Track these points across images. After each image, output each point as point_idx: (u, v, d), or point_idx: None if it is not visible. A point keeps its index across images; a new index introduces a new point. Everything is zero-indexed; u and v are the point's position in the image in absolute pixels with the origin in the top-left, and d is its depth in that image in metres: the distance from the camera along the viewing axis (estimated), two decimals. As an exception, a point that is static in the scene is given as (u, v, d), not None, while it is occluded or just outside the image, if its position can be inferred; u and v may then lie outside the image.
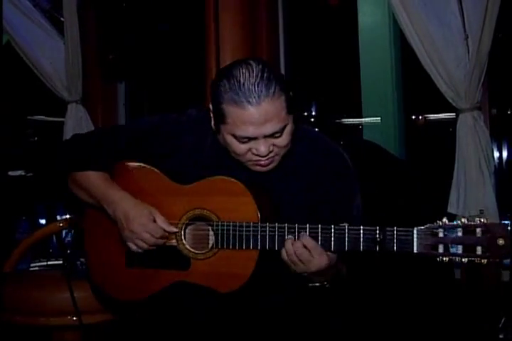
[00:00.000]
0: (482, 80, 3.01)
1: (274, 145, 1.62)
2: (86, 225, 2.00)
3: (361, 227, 1.53)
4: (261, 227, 1.65)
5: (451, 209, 3.12)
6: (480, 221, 1.43)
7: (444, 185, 3.20)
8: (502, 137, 4.15)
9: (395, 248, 1.48)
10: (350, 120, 4.58)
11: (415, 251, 1.46)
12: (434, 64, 3.03)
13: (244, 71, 1.57)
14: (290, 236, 1.59)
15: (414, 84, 4.24)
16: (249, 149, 1.62)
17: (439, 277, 3.23)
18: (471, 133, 3.03)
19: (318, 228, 1.57)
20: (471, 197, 3.05)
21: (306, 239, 1.57)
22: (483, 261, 1.41)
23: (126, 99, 4.34)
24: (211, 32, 3.33)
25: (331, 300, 1.85)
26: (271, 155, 1.64)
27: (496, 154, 3.81)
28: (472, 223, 1.43)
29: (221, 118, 1.61)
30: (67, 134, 4.10)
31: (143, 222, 1.74)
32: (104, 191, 1.82)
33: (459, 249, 1.42)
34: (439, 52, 3.01)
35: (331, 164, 1.76)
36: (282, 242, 1.61)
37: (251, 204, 1.68)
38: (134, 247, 1.79)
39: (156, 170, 1.83)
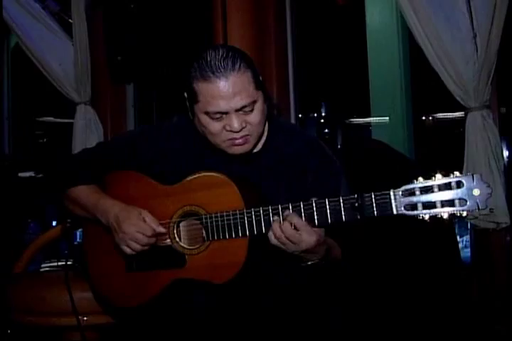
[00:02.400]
0: (491, 79, 3.00)
1: (246, 122, 1.68)
2: (84, 235, 2.06)
3: (340, 197, 1.55)
4: (246, 213, 1.68)
5: (460, 209, 3.11)
6: (453, 175, 1.46)
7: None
8: (511, 136, 4.13)
9: (376, 212, 1.51)
10: (359, 120, 4.58)
11: (395, 213, 1.49)
12: (443, 63, 3.03)
13: (210, 52, 1.67)
14: (276, 218, 1.60)
15: (423, 83, 4.23)
16: (224, 127, 1.68)
17: (448, 276, 3.22)
18: (480, 132, 3.02)
19: (300, 205, 1.59)
20: (481, 197, 3.04)
21: (294, 217, 1.58)
22: (462, 212, 1.45)
23: (135, 100, 4.35)
24: (219, 33, 3.35)
25: (330, 289, 1.87)
26: (245, 132, 1.70)
27: (506, 153, 3.80)
28: (446, 178, 1.47)
29: (193, 97, 1.69)
30: (77, 135, 4.13)
31: (133, 222, 1.77)
32: (95, 202, 1.87)
33: (438, 205, 1.45)
34: (448, 51, 3.00)
35: (312, 152, 1.82)
36: (269, 225, 1.63)
37: (235, 194, 1.72)
38: (128, 250, 1.81)
39: (143, 175, 1.88)
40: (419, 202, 1.47)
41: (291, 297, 1.80)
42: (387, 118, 4.07)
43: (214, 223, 1.73)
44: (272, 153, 1.83)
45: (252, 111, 1.69)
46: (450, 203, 1.45)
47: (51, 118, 5.35)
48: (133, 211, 1.81)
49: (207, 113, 1.68)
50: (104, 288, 1.98)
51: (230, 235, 1.71)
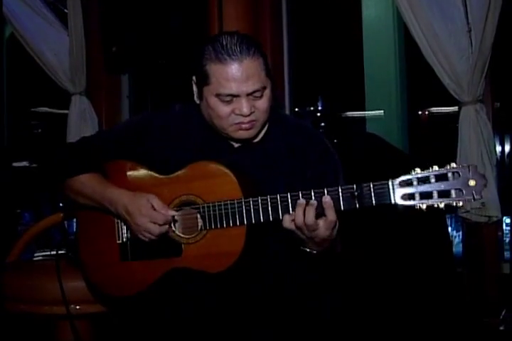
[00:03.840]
0: (485, 73, 3.01)
1: (254, 107, 1.71)
2: (79, 222, 2.05)
3: (339, 187, 1.57)
4: (245, 202, 1.69)
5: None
6: (450, 166, 1.50)
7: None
8: (504, 130, 4.15)
9: (374, 202, 1.53)
10: (354, 113, 4.59)
11: (393, 202, 1.52)
12: (437, 57, 3.04)
13: (226, 36, 1.71)
14: (302, 201, 1.59)
15: (418, 77, 4.23)
16: (232, 111, 1.71)
17: (440, 270, 3.24)
18: (473, 126, 3.03)
19: (298, 194, 1.61)
20: (473, 191, 3.06)
21: (328, 201, 1.57)
22: (459, 202, 1.48)
23: (130, 90, 4.35)
24: (214, 24, 3.34)
25: (325, 279, 1.89)
26: (252, 117, 1.72)
27: (498, 148, 3.81)
28: (443, 169, 1.50)
29: (205, 80, 1.71)
30: (71, 126, 4.12)
31: (143, 213, 1.76)
32: (102, 191, 1.86)
33: (435, 195, 1.49)
34: (442, 44, 3.01)
35: (312, 144, 1.85)
36: (267, 214, 1.65)
37: (233, 183, 1.73)
38: (143, 238, 1.81)
39: (141, 165, 1.89)
40: (416, 192, 1.50)
41: (287, 286, 1.82)
42: (382, 112, 4.08)
43: (212, 212, 1.74)
44: (273, 144, 1.85)
45: (261, 97, 1.72)
46: (446, 193, 1.48)
47: (46, 109, 5.33)
48: (141, 199, 1.78)
49: (218, 95, 1.70)
50: (98, 278, 1.97)
51: (228, 224, 1.72)
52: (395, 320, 3.01)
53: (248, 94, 1.69)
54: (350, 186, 1.56)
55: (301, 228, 1.59)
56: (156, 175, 1.86)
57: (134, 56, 3.92)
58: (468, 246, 3.29)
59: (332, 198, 1.56)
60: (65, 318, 2.38)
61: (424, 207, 1.50)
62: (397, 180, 1.52)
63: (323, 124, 5.21)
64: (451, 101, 3.20)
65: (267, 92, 1.74)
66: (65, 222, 2.76)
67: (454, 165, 1.50)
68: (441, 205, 1.49)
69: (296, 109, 4.35)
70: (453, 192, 1.48)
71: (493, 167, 3.09)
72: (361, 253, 3.07)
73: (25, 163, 4.29)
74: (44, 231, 2.88)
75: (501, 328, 3.12)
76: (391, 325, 2.97)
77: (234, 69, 1.66)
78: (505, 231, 3.85)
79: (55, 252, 2.73)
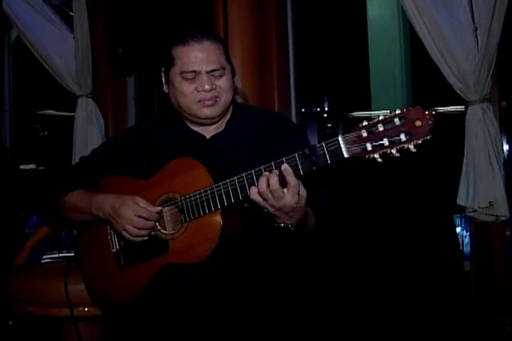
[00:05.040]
0: (491, 72, 3.00)
1: (216, 85, 1.87)
2: (77, 237, 2.14)
3: (295, 154, 1.61)
4: (216, 187, 1.74)
5: (460, 202, 3.12)
6: (395, 112, 1.51)
7: (453, 178, 3.20)
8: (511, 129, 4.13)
9: (329, 160, 1.55)
10: (360, 113, 4.59)
11: (346, 156, 1.54)
12: (443, 56, 3.03)
13: (189, 27, 1.94)
14: (266, 173, 1.64)
15: (424, 77, 4.23)
16: (195, 88, 1.86)
17: (448, 269, 3.24)
18: (480, 125, 3.02)
19: (261, 169, 1.65)
20: (480, 190, 3.05)
21: (288, 173, 1.61)
22: (409, 146, 1.48)
23: (136, 93, 4.35)
24: (220, 25, 3.34)
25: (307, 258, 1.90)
26: (215, 93, 1.86)
27: (506, 147, 3.80)
28: (389, 115, 1.51)
29: (171, 62, 1.89)
30: (78, 128, 4.12)
31: (130, 207, 1.85)
32: (89, 200, 1.97)
33: (385, 142, 1.49)
34: (448, 43, 3.00)
35: (278, 124, 1.98)
36: (237, 194, 1.70)
37: (203, 173, 1.79)
38: (127, 235, 1.87)
39: (124, 176, 2.00)
40: (367, 142, 1.51)
41: (274, 273, 1.87)
42: (388, 111, 4.07)
43: (189, 204, 1.80)
44: (241, 129, 1.96)
45: (221, 76, 1.88)
46: (396, 138, 1.49)
47: (52, 112, 5.35)
48: (127, 197, 1.88)
49: (182, 73, 1.87)
50: (98, 287, 2.05)
51: (204, 211, 1.76)
52: (402, 319, 3.00)
53: (208, 72, 1.86)
54: (304, 150, 1.59)
55: (268, 198, 1.62)
56: (139, 181, 1.94)
57: (140, 58, 3.93)
58: (476, 245, 3.27)
59: (291, 165, 1.60)
60: (71, 321, 2.38)
61: (377, 156, 1.51)
62: (347, 134, 1.54)
63: (329, 125, 5.21)
64: (457, 100, 3.19)
65: (227, 74, 1.90)
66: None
67: (398, 111, 1.51)
68: (393, 151, 1.49)
69: (303, 110, 4.35)
70: (402, 136, 1.48)
71: (501, 166, 3.07)
72: (371, 252, 3.07)
73: (32, 166, 4.29)
74: (52, 234, 2.89)
75: (509, 328, 3.11)
76: (398, 323, 2.97)
77: (195, 48, 1.86)
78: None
79: (63, 254, 2.75)
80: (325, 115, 5.10)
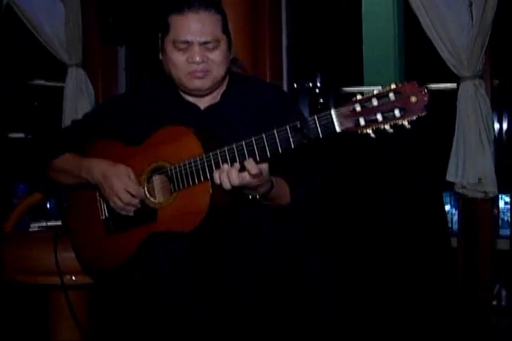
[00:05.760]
0: (485, 48, 3.00)
1: (208, 57, 1.83)
2: (67, 204, 2.14)
3: (286, 126, 1.59)
4: (206, 158, 1.72)
5: (449, 178, 3.14)
6: (390, 86, 1.47)
7: (444, 154, 3.21)
8: (502, 108, 4.13)
9: (321, 134, 1.53)
10: (352, 88, 4.57)
11: (338, 130, 1.50)
12: (437, 31, 3.02)
13: None
14: (226, 166, 1.65)
15: (417, 52, 4.21)
16: (186, 59, 1.83)
17: (435, 246, 3.26)
18: (471, 102, 3.03)
19: (252, 141, 1.64)
20: (469, 166, 3.07)
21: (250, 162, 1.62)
22: (403, 122, 1.45)
23: (126, 62, 4.31)
24: None
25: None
26: (205, 66, 1.83)
27: (496, 125, 3.80)
28: (383, 89, 1.47)
29: (166, 29, 1.86)
30: (68, 98, 4.09)
31: (121, 179, 1.84)
32: (79, 163, 1.95)
33: (379, 117, 1.46)
34: (443, 18, 2.99)
35: (273, 96, 1.96)
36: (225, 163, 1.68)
37: (194, 142, 1.77)
38: (114, 206, 1.88)
39: (115, 141, 1.97)
40: (360, 117, 1.48)
41: (262, 245, 1.86)
42: (380, 87, 4.06)
43: (178, 173, 1.78)
44: (236, 101, 1.94)
45: (214, 49, 1.84)
46: (390, 114, 1.45)
47: (42, 82, 5.29)
48: (121, 168, 1.86)
49: (174, 42, 1.83)
50: (87, 253, 2.04)
51: (193, 181, 1.75)
52: (386, 294, 3.03)
53: (201, 44, 1.82)
54: (296, 123, 1.56)
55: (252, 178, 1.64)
56: (129, 147, 1.93)
57: (130, 28, 3.88)
58: (463, 222, 3.30)
59: (284, 137, 1.59)
60: (60, 288, 2.38)
61: (370, 131, 1.48)
62: (340, 108, 1.50)
63: (321, 101, 5.19)
64: (450, 77, 3.18)
65: (221, 46, 1.86)
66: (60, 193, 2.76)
67: (393, 85, 1.46)
68: (387, 127, 1.46)
69: (295, 86, 4.33)
70: (396, 111, 1.44)
71: (491, 143, 3.09)
72: (358, 227, 3.09)
73: (21, 135, 4.26)
74: (39, 203, 2.88)
75: (494, 303, 3.15)
76: (382, 298, 3.00)
77: (190, 18, 1.81)
78: (503, 210, 3.87)
79: (50, 223, 2.74)
80: (317, 90, 5.07)
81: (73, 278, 2.41)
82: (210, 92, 1.93)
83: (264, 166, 1.65)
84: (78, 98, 4.04)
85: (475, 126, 3.03)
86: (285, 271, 1.83)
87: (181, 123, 1.84)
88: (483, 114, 3.03)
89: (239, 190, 1.70)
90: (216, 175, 1.66)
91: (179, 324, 1.74)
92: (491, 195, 3.10)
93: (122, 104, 2.02)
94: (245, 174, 1.62)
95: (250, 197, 1.73)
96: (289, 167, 1.83)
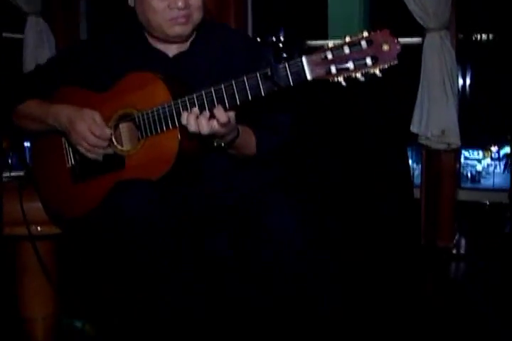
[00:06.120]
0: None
1: (188, 3, 1.80)
2: (33, 152, 2.08)
3: (256, 72, 1.56)
4: (174, 104, 1.70)
5: (413, 129, 3.18)
6: (362, 34, 1.44)
7: (408, 106, 3.23)
8: (466, 62, 4.18)
9: (291, 82, 1.51)
10: (316, 42, 4.54)
11: (309, 78, 1.49)
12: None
13: None
14: (195, 110, 1.62)
15: (382, 4, 4.19)
16: (168, 5, 1.79)
17: (398, 196, 3.32)
18: (437, 53, 3.04)
19: (221, 88, 1.61)
20: (433, 117, 3.10)
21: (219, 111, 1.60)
22: (375, 70, 1.43)
23: (87, 11, 4.20)
24: None
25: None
26: (187, 11, 1.80)
27: (460, 81, 3.84)
28: (355, 37, 1.45)
29: None
30: (28, 48, 3.98)
31: (85, 121, 1.80)
32: (46, 110, 1.91)
33: (351, 65, 1.44)
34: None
35: (242, 43, 1.92)
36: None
37: (161, 88, 1.74)
38: (82, 151, 1.84)
39: (81, 88, 1.92)
40: (332, 64, 1.46)
41: (228, 182, 1.87)
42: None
43: (146, 120, 1.75)
44: (202, 49, 1.90)
45: None
46: (362, 62, 1.43)
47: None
48: (85, 111, 1.82)
49: None
50: (54, 202, 2.01)
51: (161, 129, 1.73)
52: (350, 243, 3.09)
53: None
54: (266, 70, 1.54)
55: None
56: (95, 94, 1.88)
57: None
58: (426, 173, 3.35)
59: (254, 84, 1.56)
60: (27, 239, 2.37)
61: (341, 79, 1.46)
62: (311, 55, 1.48)
63: (285, 55, 5.14)
64: (415, 30, 3.19)
65: None
66: (24, 143, 2.71)
67: (366, 33, 1.43)
68: (358, 75, 1.44)
69: (258, 39, 4.29)
70: (368, 60, 1.42)
71: (455, 95, 3.12)
72: (325, 179, 3.12)
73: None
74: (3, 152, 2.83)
75: (454, 252, 3.24)
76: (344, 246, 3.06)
77: None
78: (463, 165, 3.96)
79: (14, 174, 2.70)
80: (280, 45, 5.02)
81: (38, 228, 2.40)
82: (188, 39, 1.89)
83: (232, 114, 1.63)
84: (39, 49, 3.92)
85: (439, 77, 3.05)
86: (255, 223, 1.83)
87: (149, 70, 1.79)
88: (448, 66, 3.05)
89: (206, 138, 1.69)
90: (184, 116, 1.63)
91: (149, 270, 1.75)
92: (453, 147, 3.15)
93: (87, 50, 1.96)
94: (214, 122, 1.60)
95: (215, 144, 1.71)
96: (257, 116, 1.82)
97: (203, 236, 1.87)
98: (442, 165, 3.23)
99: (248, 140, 1.82)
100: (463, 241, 3.28)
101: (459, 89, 3.31)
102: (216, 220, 1.87)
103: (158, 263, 1.76)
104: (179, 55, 1.90)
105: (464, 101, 4.02)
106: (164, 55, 1.90)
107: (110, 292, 2.07)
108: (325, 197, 3.13)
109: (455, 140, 3.10)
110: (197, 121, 1.61)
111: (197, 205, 1.86)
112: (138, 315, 1.94)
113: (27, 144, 2.77)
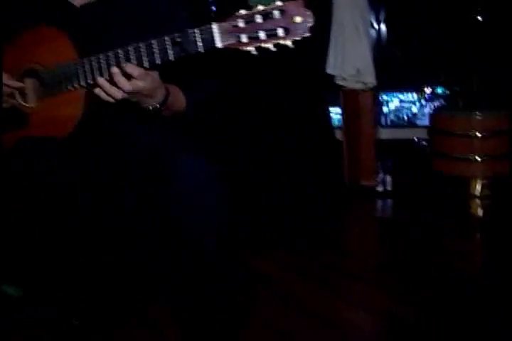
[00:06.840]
0: None
1: None
2: None
3: (165, 37, 1.52)
4: (80, 63, 1.63)
5: (329, 70, 3.19)
6: (275, 4, 1.42)
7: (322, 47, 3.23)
8: (380, 5, 4.19)
9: (199, 48, 1.48)
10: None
11: (219, 46, 1.46)
12: None
13: None
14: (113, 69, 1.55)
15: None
16: None
17: (321, 140, 3.36)
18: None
19: (128, 50, 1.55)
20: (348, 57, 3.12)
21: (128, 67, 1.54)
22: (287, 42, 1.41)
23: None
24: None
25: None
26: None
27: (376, 25, 3.85)
28: (269, 7, 1.42)
29: None
30: None
31: None
32: None
33: (262, 36, 1.43)
34: None
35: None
36: (100, 73, 1.59)
37: (68, 46, 1.67)
38: None
39: None
40: (243, 33, 1.43)
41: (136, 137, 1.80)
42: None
43: (51, 78, 1.68)
44: (112, 2, 1.77)
45: None
46: (273, 33, 1.41)
47: None
48: None
49: None
50: None
51: (66, 87, 1.66)
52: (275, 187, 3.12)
53: None
54: (176, 35, 1.50)
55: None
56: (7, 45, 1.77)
57: None
58: (346, 114, 3.39)
59: (162, 49, 1.52)
60: None
61: (252, 48, 1.44)
62: (221, 23, 1.45)
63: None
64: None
65: None
66: None
67: (279, 2, 1.41)
68: (270, 45, 1.41)
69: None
70: (280, 31, 1.40)
71: (367, 32, 3.14)
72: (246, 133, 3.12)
73: None
74: None
75: (379, 189, 3.31)
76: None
77: None
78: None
79: None
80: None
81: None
82: None
83: (152, 73, 1.55)
84: None
85: (351, 16, 3.06)
86: (162, 177, 1.79)
87: (53, 21, 1.70)
88: (360, 4, 3.06)
89: (136, 102, 1.61)
90: (100, 80, 1.54)
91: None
92: (370, 86, 3.19)
93: None
94: (134, 81, 1.53)
95: (151, 108, 1.64)
96: (181, 74, 1.73)
97: (112, 194, 1.80)
98: (360, 105, 3.26)
99: (177, 96, 1.74)
100: (388, 179, 3.34)
101: (375, 29, 3.33)
102: (126, 178, 1.80)
103: (71, 222, 1.72)
104: (87, 6, 1.77)
105: (379, 40, 3.99)
106: (70, 5, 1.77)
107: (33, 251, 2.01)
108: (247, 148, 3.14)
109: (371, 79, 3.14)
110: (114, 82, 1.53)
111: (106, 164, 1.80)
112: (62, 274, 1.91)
113: None
